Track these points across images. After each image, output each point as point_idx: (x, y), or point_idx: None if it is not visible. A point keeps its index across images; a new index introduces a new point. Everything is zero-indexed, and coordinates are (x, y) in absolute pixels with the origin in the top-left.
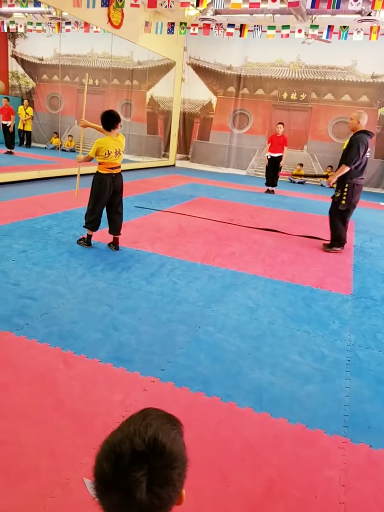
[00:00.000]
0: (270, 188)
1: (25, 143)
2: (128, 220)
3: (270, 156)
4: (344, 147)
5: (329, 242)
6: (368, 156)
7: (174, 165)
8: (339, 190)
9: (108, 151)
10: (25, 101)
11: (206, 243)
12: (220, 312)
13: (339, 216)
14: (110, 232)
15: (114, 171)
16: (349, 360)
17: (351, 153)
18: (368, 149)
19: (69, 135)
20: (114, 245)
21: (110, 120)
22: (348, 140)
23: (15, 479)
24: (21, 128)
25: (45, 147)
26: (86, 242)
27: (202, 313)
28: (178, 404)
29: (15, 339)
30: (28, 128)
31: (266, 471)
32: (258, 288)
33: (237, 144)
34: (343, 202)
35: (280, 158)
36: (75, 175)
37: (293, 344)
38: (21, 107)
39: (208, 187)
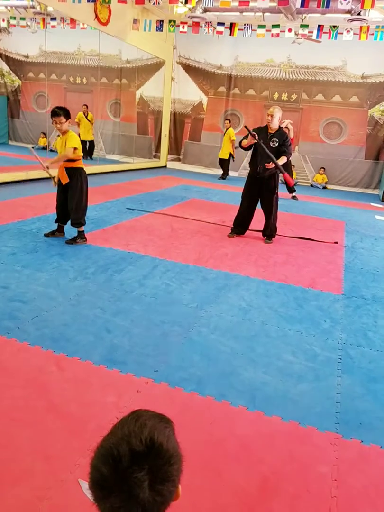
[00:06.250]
0: (293, 194)
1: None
2: (119, 222)
3: None
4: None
5: (266, 236)
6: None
7: (165, 166)
8: (274, 185)
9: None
10: (85, 107)
11: (199, 245)
12: (213, 313)
13: (277, 206)
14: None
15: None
16: (340, 359)
17: (291, 147)
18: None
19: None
20: (63, 233)
21: (69, 112)
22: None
23: (9, 483)
24: (85, 139)
25: (33, 148)
26: (84, 238)
27: (196, 314)
28: (172, 404)
29: (6, 342)
30: (90, 137)
31: (260, 469)
32: (250, 289)
33: None
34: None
35: (289, 162)
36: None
37: (285, 343)
38: (80, 113)
39: (200, 189)
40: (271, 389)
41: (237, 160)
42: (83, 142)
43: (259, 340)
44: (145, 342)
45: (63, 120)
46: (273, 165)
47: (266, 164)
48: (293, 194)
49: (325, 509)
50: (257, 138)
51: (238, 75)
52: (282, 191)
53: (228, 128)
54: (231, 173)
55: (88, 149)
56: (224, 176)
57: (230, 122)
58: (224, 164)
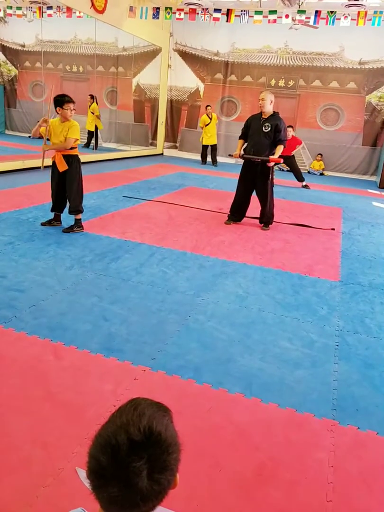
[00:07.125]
0: (304, 183)
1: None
2: (116, 210)
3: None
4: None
5: (263, 223)
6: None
7: (162, 154)
8: (268, 172)
9: None
10: (89, 97)
11: (196, 232)
12: (210, 300)
13: (272, 192)
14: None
15: None
16: (337, 345)
17: (284, 133)
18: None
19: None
20: (59, 221)
21: None
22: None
23: (6, 471)
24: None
25: (29, 137)
26: (81, 226)
27: (192, 302)
28: (169, 392)
29: (3, 331)
30: (91, 127)
31: (257, 455)
32: (248, 276)
33: (225, 132)
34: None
35: (292, 157)
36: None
37: (282, 330)
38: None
39: (196, 176)
40: (268, 376)
41: (234, 147)
42: (89, 133)
43: (256, 327)
44: (142, 330)
45: (74, 106)
46: (272, 164)
47: (267, 164)
48: (304, 183)
49: (322, 495)
50: (238, 155)
51: (235, 62)
52: (290, 178)
53: (212, 114)
54: (227, 160)
55: (94, 139)
56: (215, 162)
57: (211, 107)
58: (214, 150)
